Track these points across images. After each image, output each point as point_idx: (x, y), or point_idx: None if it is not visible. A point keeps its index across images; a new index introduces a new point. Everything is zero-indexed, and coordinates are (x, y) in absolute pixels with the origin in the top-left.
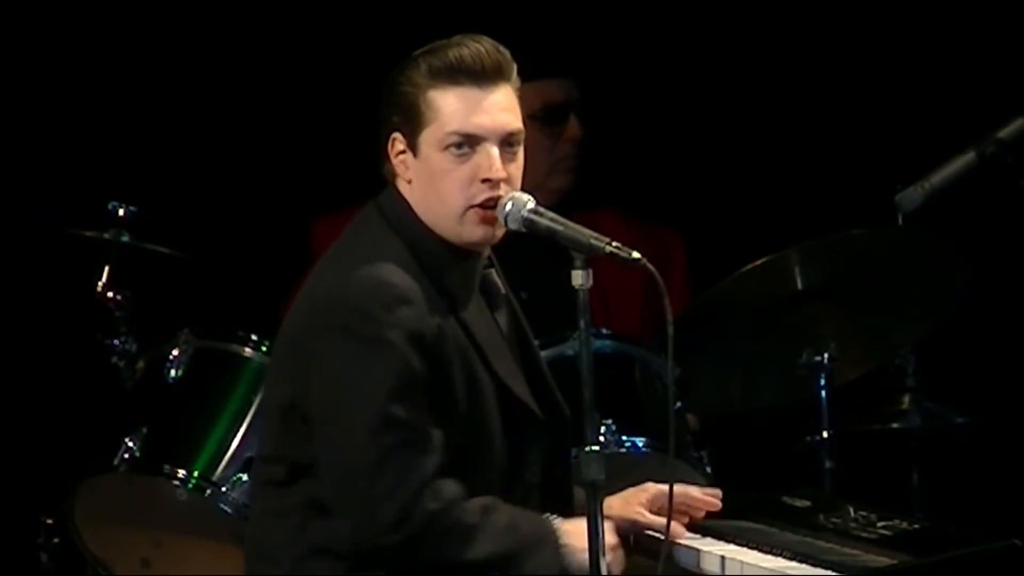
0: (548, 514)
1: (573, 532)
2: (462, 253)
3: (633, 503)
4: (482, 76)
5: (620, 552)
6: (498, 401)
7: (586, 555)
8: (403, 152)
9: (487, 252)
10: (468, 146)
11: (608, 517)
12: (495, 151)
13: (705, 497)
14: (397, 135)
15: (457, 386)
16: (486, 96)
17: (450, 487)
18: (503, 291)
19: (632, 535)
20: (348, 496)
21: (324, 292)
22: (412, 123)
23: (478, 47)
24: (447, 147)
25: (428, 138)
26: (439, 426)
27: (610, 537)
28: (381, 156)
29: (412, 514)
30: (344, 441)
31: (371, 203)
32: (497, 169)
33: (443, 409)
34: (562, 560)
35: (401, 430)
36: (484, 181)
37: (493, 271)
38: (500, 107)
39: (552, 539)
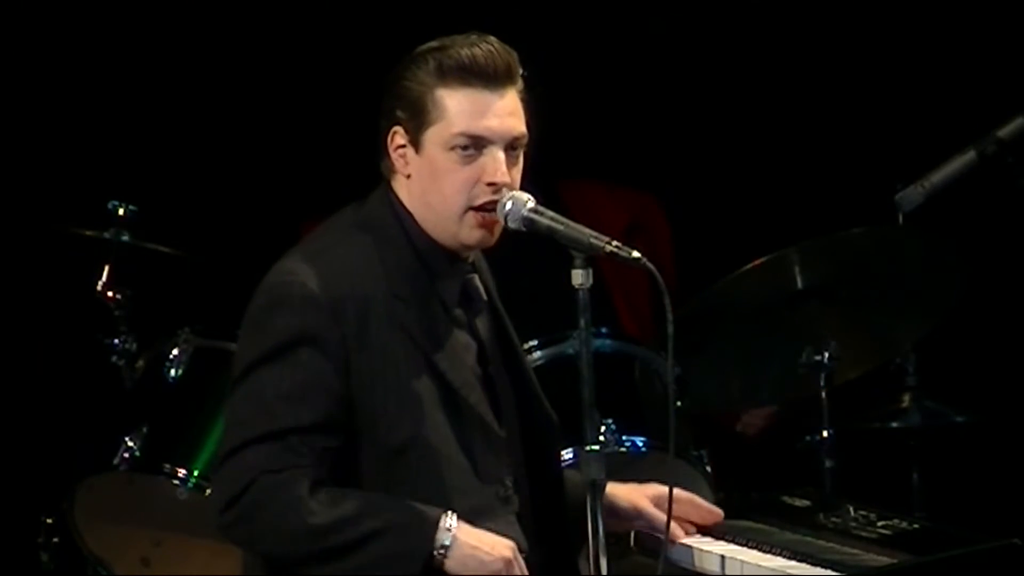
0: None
1: (465, 535)
2: (444, 257)
3: (639, 492)
4: (493, 78)
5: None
6: (449, 409)
7: (467, 563)
8: (403, 146)
9: (472, 257)
10: (474, 148)
11: (613, 496)
12: (501, 155)
13: (709, 507)
14: (398, 129)
15: (379, 387)
16: (495, 99)
17: (298, 470)
18: (485, 297)
19: (632, 534)
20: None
21: (261, 285)
22: (417, 119)
23: (489, 48)
24: (453, 147)
25: (433, 136)
26: (355, 430)
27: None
28: (379, 148)
29: (241, 495)
30: (222, 436)
31: (350, 206)
32: (503, 173)
33: (363, 413)
34: (434, 548)
35: (266, 425)
36: (489, 185)
37: (476, 277)
38: (508, 111)
39: (431, 525)
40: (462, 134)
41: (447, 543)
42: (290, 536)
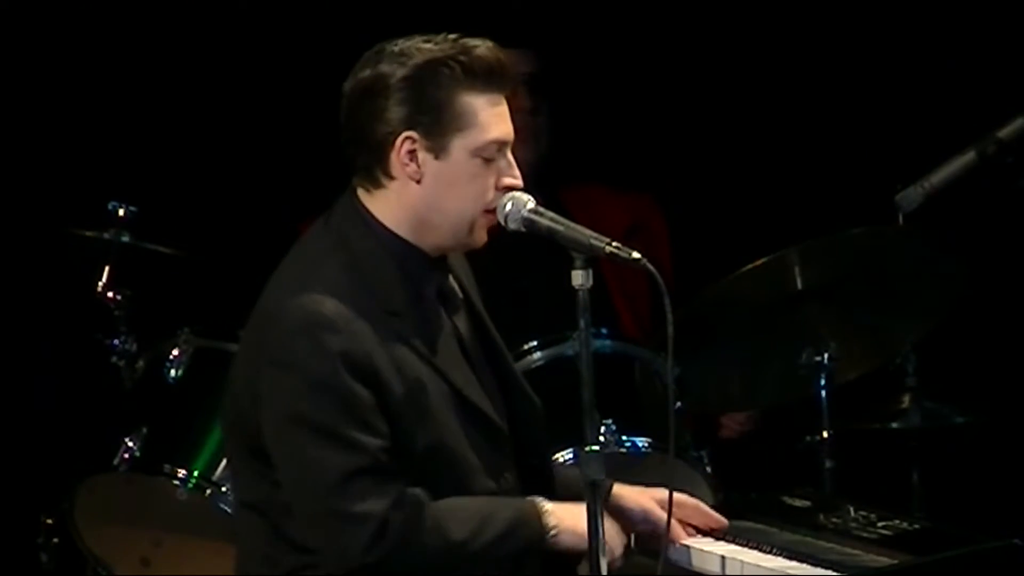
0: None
1: (561, 511)
2: (422, 262)
3: (647, 495)
4: (507, 82)
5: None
6: (457, 411)
7: (577, 530)
8: (412, 152)
9: (449, 257)
10: (497, 153)
11: (620, 498)
12: (511, 157)
13: (715, 515)
14: (412, 134)
15: (402, 400)
16: (503, 102)
17: (413, 494)
18: (461, 295)
19: (632, 535)
20: (315, 532)
21: (263, 324)
22: (441, 125)
23: (499, 49)
24: (481, 155)
25: (463, 143)
26: (392, 443)
27: (616, 534)
28: (374, 153)
29: (383, 532)
30: (298, 479)
31: (320, 221)
32: (519, 176)
33: (393, 426)
34: (547, 533)
35: (351, 456)
36: (503, 188)
37: (450, 277)
38: (508, 113)
39: (536, 515)
40: (495, 141)
41: (555, 524)
42: (442, 556)
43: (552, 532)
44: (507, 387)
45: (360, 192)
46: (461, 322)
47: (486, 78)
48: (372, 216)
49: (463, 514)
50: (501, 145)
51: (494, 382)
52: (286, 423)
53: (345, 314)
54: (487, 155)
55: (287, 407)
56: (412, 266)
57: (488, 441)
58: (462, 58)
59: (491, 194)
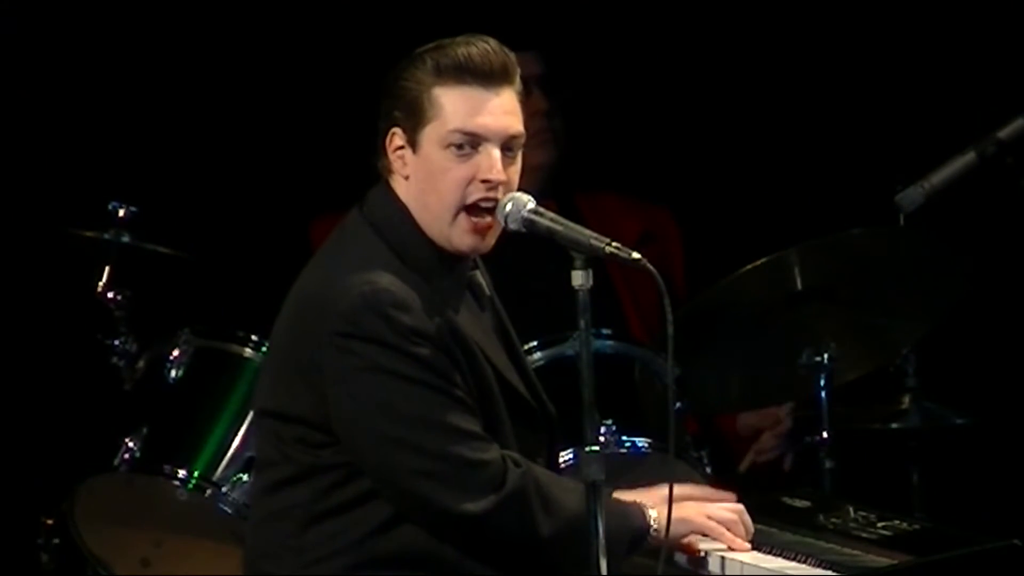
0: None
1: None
2: (449, 255)
3: (647, 496)
4: (489, 77)
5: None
6: (500, 393)
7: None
8: (402, 147)
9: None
10: (470, 146)
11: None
12: (496, 153)
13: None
14: (397, 130)
15: (468, 381)
16: (491, 97)
17: (522, 456)
18: (488, 292)
19: None
20: (422, 484)
21: (319, 302)
22: (414, 119)
23: (486, 47)
24: (448, 145)
25: (430, 135)
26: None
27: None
28: (378, 150)
29: (504, 479)
30: (402, 436)
31: (355, 209)
32: (497, 171)
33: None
34: (646, 515)
35: (463, 411)
36: (484, 182)
37: (478, 272)
38: (504, 109)
39: (641, 508)
40: (457, 131)
41: (655, 514)
42: (552, 523)
43: (654, 525)
44: (527, 389)
45: (390, 183)
46: (487, 318)
47: (456, 72)
48: (404, 205)
49: (577, 488)
50: (475, 138)
51: (517, 377)
52: (379, 384)
53: (411, 293)
54: (457, 148)
55: (378, 370)
56: (447, 256)
57: (525, 424)
58: (434, 54)
59: (471, 187)
